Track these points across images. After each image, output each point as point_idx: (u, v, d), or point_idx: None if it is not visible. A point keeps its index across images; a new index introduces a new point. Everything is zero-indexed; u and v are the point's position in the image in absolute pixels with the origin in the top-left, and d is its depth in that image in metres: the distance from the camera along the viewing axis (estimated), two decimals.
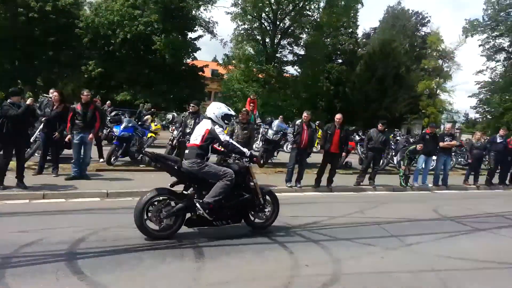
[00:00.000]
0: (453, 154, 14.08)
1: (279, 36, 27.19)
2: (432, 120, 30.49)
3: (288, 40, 27.67)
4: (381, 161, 11.86)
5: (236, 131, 8.91)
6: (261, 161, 11.14)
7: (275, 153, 12.80)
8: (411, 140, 14.83)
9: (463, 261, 4.98)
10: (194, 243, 4.81)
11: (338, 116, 9.66)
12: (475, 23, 28.44)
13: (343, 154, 9.87)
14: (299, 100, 27.20)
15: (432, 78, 36.69)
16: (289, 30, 26.96)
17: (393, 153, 13.88)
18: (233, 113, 5.52)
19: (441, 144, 11.24)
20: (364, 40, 43.43)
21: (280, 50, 28.04)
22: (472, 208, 8.60)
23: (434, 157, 11.71)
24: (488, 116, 28.16)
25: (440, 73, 36.64)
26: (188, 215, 4.93)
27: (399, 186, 10.71)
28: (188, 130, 8.92)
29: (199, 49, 29.98)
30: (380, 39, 33.49)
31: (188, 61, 30.24)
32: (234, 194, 5.08)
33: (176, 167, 4.94)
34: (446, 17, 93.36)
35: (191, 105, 9.71)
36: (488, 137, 14.49)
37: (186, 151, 5.10)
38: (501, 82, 26.29)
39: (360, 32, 41.84)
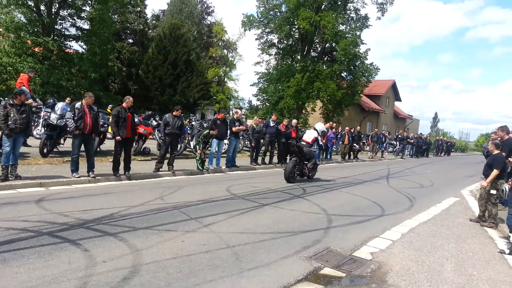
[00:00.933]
0: (241, 137, 15.76)
1: (57, 5, 23.83)
2: (222, 106, 33.06)
3: (69, 11, 24.56)
4: (179, 146, 12.14)
5: (12, 114, 7.48)
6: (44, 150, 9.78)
7: (62, 140, 11.34)
8: (205, 125, 15.71)
9: (253, 234, 5.61)
10: None
11: (131, 100, 9.25)
12: (251, 18, 31.07)
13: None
14: (87, 80, 24.76)
15: (220, 67, 39.60)
16: (69, 0, 23.93)
17: (190, 138, 14.41)
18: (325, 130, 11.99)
19: (233, 129, 12.37)
20: (154, 21, 42.98)
21: (59, 21, 24.64)
22: (258, 186, 9.80)
23: (226, 141, 12.78)
24: (267, 103, 32.12)
25: (226, 62, 39.90)
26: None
27: (196, 169, 11.23)
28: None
29: None
30: (170, 23, 33.77)
31: None
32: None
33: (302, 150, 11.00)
34: (229, 9, 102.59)
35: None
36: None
37: (303, 143, 11.39)
38: (274, 74, 30.53)
39: (149, 13, 41.16)
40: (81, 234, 4.94)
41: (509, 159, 6.24)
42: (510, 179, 7.09)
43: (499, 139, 8.10)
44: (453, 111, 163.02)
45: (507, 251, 5.77)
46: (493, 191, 7.33)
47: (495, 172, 7.16)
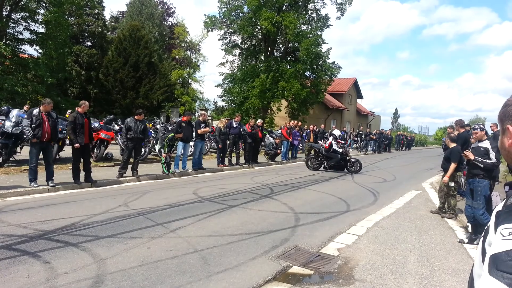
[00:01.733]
0: (207, 139, 15.68)
1: (8, 7, 22.70)
2: (187, 108, 32.64)
3: (22, 14, 23.44)
4: (143, 150, 11.88)
5: None
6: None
7: (18, 149, 10.81)
8: (169, 127, 15.46)
9: (221, 237, 5.56)
10: None
11: (86, 104, 8.98)
12: (213, 19, 30.81)
13: None
14: (44, 85, 23.74)
15: (183, 68, 39.11)
16: (21, 2, 22.82)
17: (154, 142, 14.13)
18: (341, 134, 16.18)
19: (199, 131, 12.24)
20: (113, 23, 41.88)
21: (12, 25, 23.49)
22: (226, 188, 9.75)
23: (192, 143, 12.63)
24: (233, 104, 31.96)
25: (189, 64, 39.46)
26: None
27: (161, 173, 11.02)
28: None
29: None
30: (129, 24, 33.00)
31: None
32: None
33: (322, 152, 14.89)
34: (190, 9, 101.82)
35: None
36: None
37: (322, 148, 14.96)
38: (239, 74, 30.48)
39: (107, 15, 40.02)
40: (40, 245, 4.72)
41: (464, 152, 6.54)
42: (464, 170, 7.44)
43: (455, 133, 8.50)
44: (412, 107, 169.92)
45: (466, 241, 6.04)
46: (451, 184, 7.67)
47: (453, 165, 7.50)
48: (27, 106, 13.71)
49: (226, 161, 14.33)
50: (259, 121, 16.26)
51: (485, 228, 1.20)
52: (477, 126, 6.49)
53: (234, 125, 14.39)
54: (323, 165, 15.03)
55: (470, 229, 6.36)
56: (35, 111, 8.02)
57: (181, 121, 11.99)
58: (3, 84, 20.63)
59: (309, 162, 15.54)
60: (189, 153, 12.72)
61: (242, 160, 15.14)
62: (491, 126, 8.47)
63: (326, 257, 5.00)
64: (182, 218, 6.43)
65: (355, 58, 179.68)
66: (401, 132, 46.32)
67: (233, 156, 14.70)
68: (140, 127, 10.10)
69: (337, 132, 15.68)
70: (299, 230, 6.14)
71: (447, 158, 7.78)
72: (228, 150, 14.45)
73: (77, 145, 8.51)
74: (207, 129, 12.86)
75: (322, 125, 24.63)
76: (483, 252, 1.08)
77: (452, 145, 7.74)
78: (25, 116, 8.23)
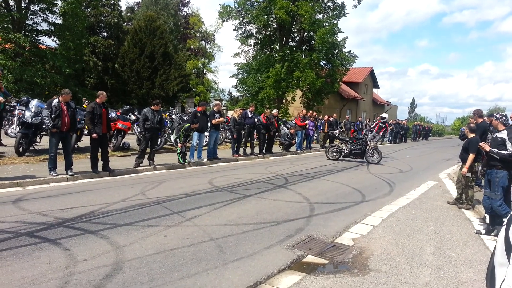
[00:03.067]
0: (222, 129, 15.75)
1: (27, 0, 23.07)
2: (202, 98, 32.76)
3: (40, 6, 23.78)
4: (159, 140, 12.02)
5: None
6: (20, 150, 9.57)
7: (38, 138, 11.06)
8: (185, 118, 15.56)
9: (236, 226, 5.63)
10: None
11: (104, 94, 9.08)
12: (228, 9, 30.68)
13: None
14: (62, 76, 24.14)
15: (198, 58, 39.17)
16: None
17: (170, 132, 14.27)
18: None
19: (213, 121, 12.29)
20: (128, 14, 42.10)
21: (30, 16, 23.86)
22: (240, 178, 9.81)
23: (207, 133, 12.71)
24: (247, 94, 31.94)
25: (204, 54, 39.48)
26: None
27: (177, 163, 11.14)
28: None
29: None
30: (145, 15, 33.10)
31: None
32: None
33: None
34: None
35: None
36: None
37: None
38: (254, 65, 30.38)
39: (123, 5, 40.26)
40: (60, 233, 4.85)
41: (480, 144, 6.41)
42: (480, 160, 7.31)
43: (474, 122, 8.32)
44: (430, 96, 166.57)
45: (483, 232, 5.97)
46: (468, 174, 7.55)
47: (471, 156, 7.35)
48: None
49: (241, 151, 14.39)
50: (275, 111, 16.21)
51: (509, 217, 1.19)
52: (496, 115, 6.35)
53: (249, 115, 14.41)
54: (341, 154, 15.14)
55: (487, 220, 6.27)
56: (55, 102, 8.16)
57: (196, 111, 12.06)
58: (23, 75, 21.07)
59: (328, 151, 15.66)
60: (204, 143, 12.80)
61: (257, 150, 15.18)
62: (511, 116, 8.24)
63: (341, 247, 5.01)
64: (198, 207, 6.52)
65: (373, 47, 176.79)
66: (418, 122, 45.57)
67: (248, 146, 14.74)
68: (156, 117, 10.20)
69: (383, 115, 18.45)
70: (313, 220, 6.16)
71: (465, 148, 7.63)
72: (243, 140, 14.50)
73: (95, 135, 8.67)
74: (221, 119, 12.90)
75: (335, 115, 24.43)
76: (507, 242, 1.07)
77: (471, 135, 7.58)
78: (45, 106, 8.40)
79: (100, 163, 9.03)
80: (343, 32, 39.19)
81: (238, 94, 36.33)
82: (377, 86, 49.16)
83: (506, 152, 5.87)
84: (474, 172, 7.62)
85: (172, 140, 14.10)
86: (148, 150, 10.39)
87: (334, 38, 28.77)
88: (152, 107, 10.31)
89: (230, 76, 40.66)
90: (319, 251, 4.80)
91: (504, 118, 6.29)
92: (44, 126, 8.95)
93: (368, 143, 14.75)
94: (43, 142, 11.50)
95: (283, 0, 27.18)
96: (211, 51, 39.13)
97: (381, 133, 17.66)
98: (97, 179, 8.73)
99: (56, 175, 8.15)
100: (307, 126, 18.18)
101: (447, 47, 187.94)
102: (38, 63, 23.64)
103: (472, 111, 9.44)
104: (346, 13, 30.92)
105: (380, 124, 16.92)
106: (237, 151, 14.05)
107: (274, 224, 5.82)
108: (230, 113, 24.13)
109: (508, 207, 5.89)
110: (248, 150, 14.74)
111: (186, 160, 11.35)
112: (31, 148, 10.56)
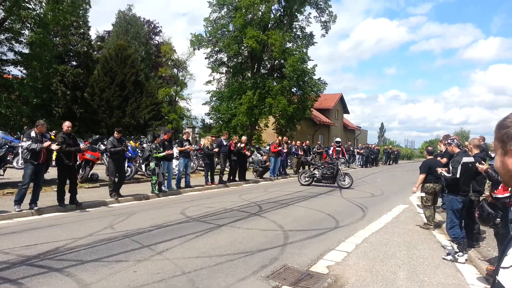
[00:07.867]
0: (194, 157, 15.61)
1: None
2: (175, 126, 32.50)
3: (6, 35, 23.29)
4: (129, 170, 11.75)
5: None
6: None
7: (1, 171, 10.56)
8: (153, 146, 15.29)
9: (209, 258, 5.47)
10: None
11: (67, 124, 8.77)
12: (199, 38, 31.11)
13: None
14: (29, 106, 23.44)
15: (170, 86, 39.14)
16: (6, 24, 22.69)
17: (141, 161, 13.98)
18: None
19: (178, 148, 12.27)
20: (98, 43, 41.87)
21: None
22: (214, 206, 9.64)
23: (175, 162, 12.56)
24: (220, 122, 31.93)
25: (176, 82, 39.51)
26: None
27: (149, 194, 10.87)
28: None
29: None
30: (115, 44, 32.99)
31: None
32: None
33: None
34: (180, 28, 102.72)
35: None
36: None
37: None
38: (226, 92, 30.57)
39: (93, 34, 40.02)
40: (23, 272, 4.58)
41: (437, 168, 6.65)
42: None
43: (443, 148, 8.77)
44: (399, 120, 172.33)
45: (449, 258, 5.83)
46: (421, 194, 7.86)
47: (420, 176, 7.81)
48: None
49: (216, 179, 14.19)
50: (243, 138, 16.26)
51: None
52: (448, 140, 6.50)
53: (224, 143, 14.36)
54: (314, 179, 15.34)
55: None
56: (33, 133, 7.95)
57: (163, 139, 11.84)
58: None
59: (301, 177, 15.74)
60: (176, 172, 12.64)
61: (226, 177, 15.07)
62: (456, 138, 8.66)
63: (316, 276, 4.94)
64: (169, 239, 6.32)
65: (344, 75, 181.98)
66: (389, 146, 46.82)
67: (225, 173, 14.62)
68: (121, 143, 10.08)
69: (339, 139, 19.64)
70: (288, 249, 6.09)
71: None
72: (220, 168, 14.39)
73: (56, 147, 8.09)
74: (188, 147, 12.74)
75: (307, 141, 24.84)
76: None
77: (429, 157, 8.08)
78: (25, 139, 8.13)
79: (67, 196, 8.68)
80: (312, 60, 40.41)
81: (211, 121, 36.31)
82: (347, 112, 50.43)
83: (448, 175, 5.96)
84: (432, 193, 7.91)
85: (143, 170, 13.81)
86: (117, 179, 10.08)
87: (304, 65, 29.52)
88: (115, 135, 10.16)
89: (203, 104, 40.81)
90: (294, 281, 4.72)
91: (455, 141, 6.39)
92: (7, 158, 8.57)
93: (340, 167, 14.95)
94: (7, 174, 11.00)
95: (253, 30, 27.82)
96: (183, 78, 39.24)
97: (340, 156, 18.27)
98: (64, 213, 8.36)
99: (19, 210, 7.75)
100: (281, 152, 18.24)
101: (414, 73, 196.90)
102: (3, 93, 22.88)
103: (439, 134, 9.93)
104: (315, 42, 31.98)
105: (337, 148, 17.83)
106: (211, 179, 13.85)
107: (248, 254, 5.70)
108: (203, 141, 24.02)
109: (460, 231, 5.88)
110: (225, 177, 14.60)
111: (162, 190, 11.11)
112: None
